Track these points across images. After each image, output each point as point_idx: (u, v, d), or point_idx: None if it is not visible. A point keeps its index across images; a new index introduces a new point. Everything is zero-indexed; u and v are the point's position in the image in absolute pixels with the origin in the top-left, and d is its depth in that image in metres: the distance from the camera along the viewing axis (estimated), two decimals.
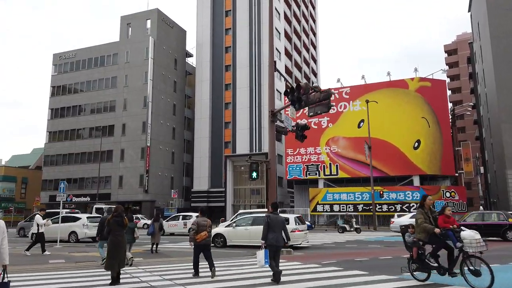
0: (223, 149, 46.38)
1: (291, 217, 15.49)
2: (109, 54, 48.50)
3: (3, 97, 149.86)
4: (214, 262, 8.36)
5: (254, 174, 13.78)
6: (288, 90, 11.90)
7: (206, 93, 47.62)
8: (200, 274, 8.36)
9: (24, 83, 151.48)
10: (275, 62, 14.74)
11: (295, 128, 15.40)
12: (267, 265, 7.39)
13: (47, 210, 19.65)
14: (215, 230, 15.35)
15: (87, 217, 18.75)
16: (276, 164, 14.01)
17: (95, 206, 31.17)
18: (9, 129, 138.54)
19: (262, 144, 43.57)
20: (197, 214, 11.61)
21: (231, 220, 16.95)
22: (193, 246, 8.34)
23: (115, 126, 46.18)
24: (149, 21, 47.32)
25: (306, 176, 37.68)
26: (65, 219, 18.31)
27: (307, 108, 12.20)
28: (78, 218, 18.61)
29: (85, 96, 48.87)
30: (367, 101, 32.30)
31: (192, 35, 69.91)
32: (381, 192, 31.78)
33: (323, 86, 39.59)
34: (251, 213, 17.64)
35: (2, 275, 4.21)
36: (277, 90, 45.12)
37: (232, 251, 14.08)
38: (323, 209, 35.33)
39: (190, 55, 54.25)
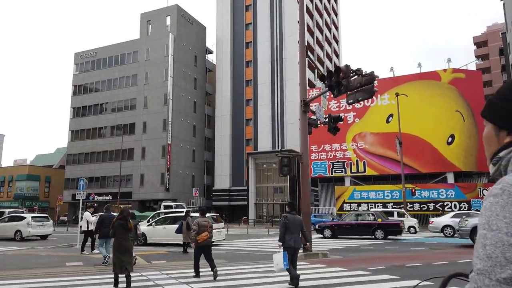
0: (245, 146, 45.36)
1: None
2: (129, 52, 48.20)
3: (30, 97, 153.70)
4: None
5: (286, 170, 12.58)
6: (325, 74, 10.63)
7: (227, 89, 46.70)
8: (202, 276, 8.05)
9: (51, 82, 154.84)
10: (306, 47, 13.48)
11: (327, 120, 14.17)
12: (286, 268, 6.77)
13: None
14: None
15: (32, 217, 19.94)
16: (307, 159, 12.79)
17: (163, 203, 29.56)
18: (35, 129, 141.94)
19: (285, 141, 42.29)
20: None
21: (152, 219, 17.47)
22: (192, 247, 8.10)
23: (136, 124, 45.82)
24: (168, 18, 46.74)
25: (332, 173, 36.18)
26: (12, 219, 19.99)
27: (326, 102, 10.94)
28: (23, 218, 19.78)
29: (106, 95, 48.74)
30: (397, 94, 30.59)
31: (212, 32, 69.18)
32: (413, 190, 30.00)
33: None
34: (168, 213, 18.53)
35: None
36: (299, 85, 43.78)
37: (154, 248, 14.90)
38: (350, 208, 33.72)
39: (210, 52, 53.47)
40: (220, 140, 46.33)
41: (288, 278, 7.17)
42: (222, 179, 45.45)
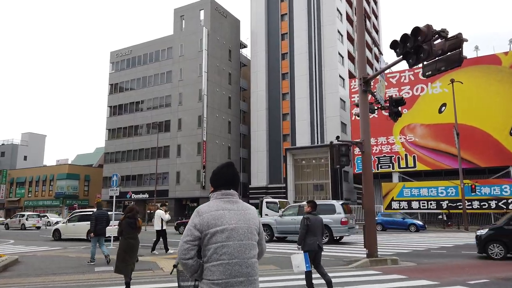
0: (282, 142, 43.54)
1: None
2: (164, 48, 47.64)
3: (73, 97, 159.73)
4: None
5: (344, 160, 10.66)
6: (399, 40, 8.62)
7: (262, 84, 45.04)
8: None
9: (93, 82, 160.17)
10: (365, 18, 11.48)
11: (387, 103, 12.13)
12: (309, 270, 6.21)
13: None
14: (55, 226, 20.28)
15: None
16: (370, 148, 10.81)
17: (265, 200, 26.63)
18: (78, 130, 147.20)
19: (324, 136, 40.06)
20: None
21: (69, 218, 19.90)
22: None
23: (171, 122, 45.18)
24: (202, 12, 45.70)
25: (378, 169, 33.60)
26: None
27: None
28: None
29: (141, 93, 48.51)
30: (452, 81, 27.65)
31: (246, 25, 67.99)
32: (473, 186, 26.97)
33: (390, 69, 35.18)
34: (81, 212, 20.67)
35: None
36: (340, 76, 41.38)
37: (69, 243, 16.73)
38: (399, 206, 31.08)
39: (244, 46, 52.04)
40: (256, 136, 44.77)
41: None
42: (259, 177, 43.87)
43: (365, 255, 10.22)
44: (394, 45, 8.83)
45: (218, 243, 2.15)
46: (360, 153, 32.02)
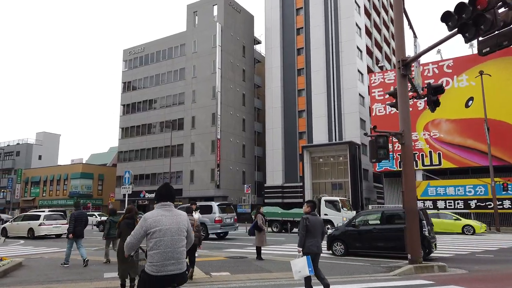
0: (298, 140, 42.30)
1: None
2: (177, 45, 46.90)
3: (86, 97, 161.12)
4: None
5: (382, 153, 9.47)
6: (453, 11, 7.38)
7: (277, 80, 43.86)
8: None
9: (106, 81, 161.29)
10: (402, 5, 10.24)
11: (424, 92, 10.92)
12: (312, 274, 5.84)
13: None
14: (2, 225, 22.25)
15: None
16: (410, 139, 9.59)
17: (323, 198, 23.23)
18: (92, 129, 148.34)
19: (342, 132, 38.70)
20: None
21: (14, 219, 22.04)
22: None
23: (184, 119, 44.39)
24: (215, 7, 44.76)
25: (400, 167, 31.84)
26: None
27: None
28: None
29: (154, 90, 47.87)
30: (481, 73, 26.09)
31: (260, 21, 66.84)
32: (505, 184, 25.34)
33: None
34: (29, 213, 22.95)
35: None
36: (358, 70, 39.91)
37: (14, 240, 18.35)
38: (424, 206, 29.54)
39: (258, 42, 50.95)
40: (271, 133, 43.61)
41: None
42: (274, 175, 42.72)
43: (407, 261, 9.04)
44: (445, 17, 7.58)
45: (157, 238, 3.21)
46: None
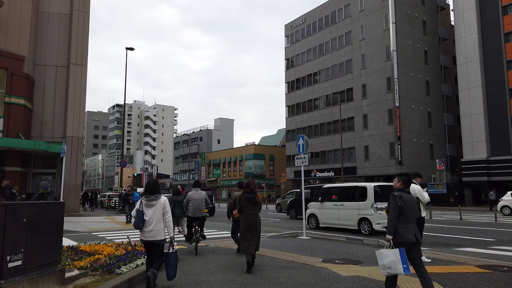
0: (508, 100, 32.00)
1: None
2: (340, 7, 41.96)
3: (261, 84, 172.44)
4: None
5: None
6: None
7: (472, 26, 34.05)
8: None
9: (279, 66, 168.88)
10: None
11: None
12: (408, 273, 4.00)
13: None
14: None
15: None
16: None
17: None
18: (263, 112, 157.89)
19: None
20: None
21: None
22: None
23: (353, 89, 39.43)
24: None
25: None
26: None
27: None
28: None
29: (318, 62, 44.36)
30: None
31: None
32: None
33: None
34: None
35: (171, 246, 4.88)
36: None
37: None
38: None
39: None
40: (467, 95, 34.31)
41: None
42: (475, 148, 33.55)
43: None
44: None
45: (191, 201, 8.22)
46: None
